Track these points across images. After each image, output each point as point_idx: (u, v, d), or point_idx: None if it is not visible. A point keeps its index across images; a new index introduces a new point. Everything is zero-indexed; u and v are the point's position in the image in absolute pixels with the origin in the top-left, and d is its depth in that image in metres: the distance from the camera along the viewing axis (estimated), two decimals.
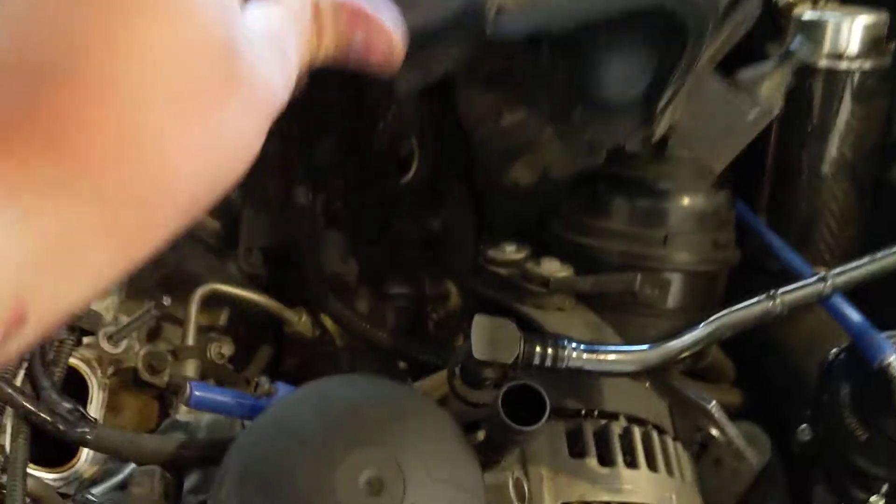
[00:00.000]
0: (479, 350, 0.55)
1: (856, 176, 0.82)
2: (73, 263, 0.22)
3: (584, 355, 0.57)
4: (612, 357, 0.59)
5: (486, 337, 0.55)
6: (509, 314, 0.74)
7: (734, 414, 0.84)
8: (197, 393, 0.57)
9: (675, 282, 0.75)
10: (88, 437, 0.56)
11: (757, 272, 0.82)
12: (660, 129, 0.67)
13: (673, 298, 0.75)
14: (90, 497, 0.59)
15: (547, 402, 0.52)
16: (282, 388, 0.59)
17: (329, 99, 1.09)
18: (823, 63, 0.79)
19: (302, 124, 1.08)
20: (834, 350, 0.68)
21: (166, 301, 0.71)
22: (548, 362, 0.56)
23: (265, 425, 0.47)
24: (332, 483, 0.44)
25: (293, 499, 0.43)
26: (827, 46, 0.79)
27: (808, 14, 0.80)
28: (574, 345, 0.57)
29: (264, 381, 0.58)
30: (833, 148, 0.81)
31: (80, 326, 0.63)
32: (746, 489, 0.77)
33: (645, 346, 0.60)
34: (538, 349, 0.56)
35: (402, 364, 0.92)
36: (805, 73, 0.80)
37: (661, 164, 0.75)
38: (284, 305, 0.94)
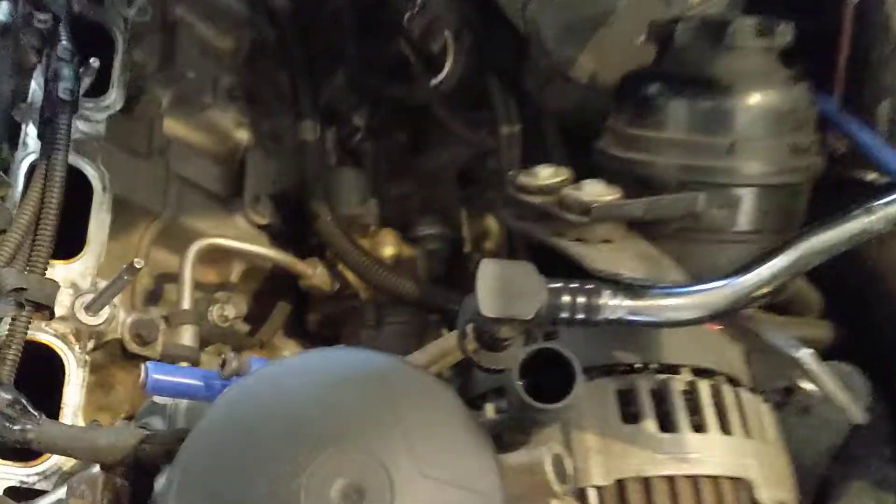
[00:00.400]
0: (489, 305, 0.43)
1: None
2: None
3: (628, 302, 0.45)
4: (666, 302, 0.46)
5: (497, 287, 0.44)
6: (546, 251, 0.62)
7: (823, 353, 0.71)
8: (154, 376, 0.47)
9: (747, 199, 0.61)
10: (30, 435, 0.47)
11: (845, 183, 0.68)
12: None
13: (744, 219, 0.62)
14: None
15: (576, 371, 0.40)
16: (256, 364, 0.49)
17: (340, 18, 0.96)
18: None
19: (310, 51, 0.97)
20: None
21: (138, 263, 0.61)
22: (580, 314, 0.44)
23: (215, 421, 0.37)
24: (295, 495, 0.33)
25: None
26: None
27: None
28: (612, 291, 0.45)
29: (232, 358, 0.48)
30: None
31: (31, 300, 0.54)
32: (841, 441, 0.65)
33: (711, 285, 0.48)
34: (566, 299, 0.44)
35: (433, 316, 0.82)
36: None
37: (723, 54, 0.61)
38: (300, 258, 0.84)
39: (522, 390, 0.40)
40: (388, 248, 0.88)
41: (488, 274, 0.44)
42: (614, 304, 0.45)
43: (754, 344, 0.61)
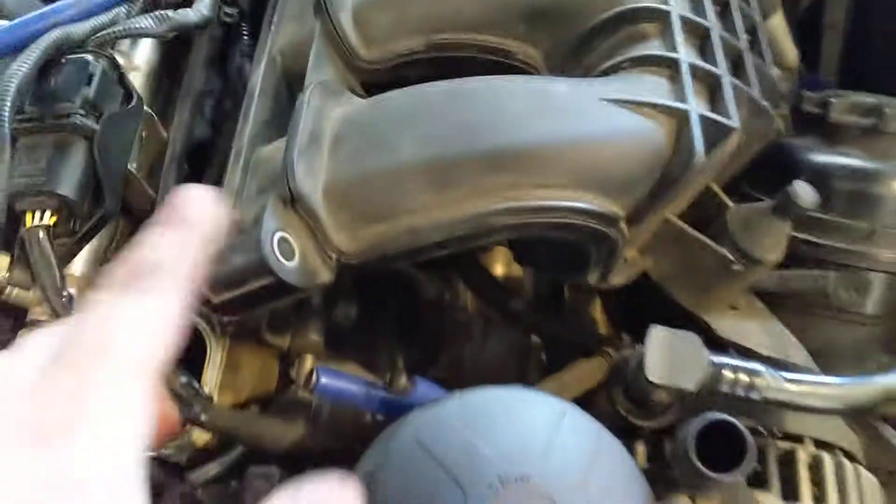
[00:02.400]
0: (655, 372, 0.44)
1: None
2: None
3: (787, 386, 0.45)
4: (823, 391, 0.47)
5: (665, 356, 0.45)
6: (668, 306, 0.63)
7: None
8: (324, 380, 0.48)
9: (877, 283, 0.61)
10: (202, 417, 0.48)
11: None
12: None
13: (871, 303, 0.61)
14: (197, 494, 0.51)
15: (750, 446, 0.41)
16: (421, 385, 0.50)
17: None
18: None
19: None
20: None
21: None
22: (739, 391, 0.45)
23: (407, 444, 0.38)
24: None
25: None
26: None
27: None
28: (774, 373, 0.46)
29: (401, 377, 0.49)
30: None
31: None
32: None
33: (865, 379, 0.48)
34: (729, 375, 0.45)
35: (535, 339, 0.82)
36: None
37: (874, 138, 0.61)
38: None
39: (698, 460, 0.40)
40: (499, 265, 0.88)
41: (657, 340, 0.45)
42: (775, 387, 0.46)
43: (871, 436, 0.61)
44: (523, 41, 0.53)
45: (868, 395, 0.50)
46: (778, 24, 0.77)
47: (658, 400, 0.50)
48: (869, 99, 0.64)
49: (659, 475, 0.47)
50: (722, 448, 0.44)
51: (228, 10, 0.62)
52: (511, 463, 0.38)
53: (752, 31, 0.58)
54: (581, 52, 0.52)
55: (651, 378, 0.46)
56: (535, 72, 0.54)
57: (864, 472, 0.59)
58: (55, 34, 0.50)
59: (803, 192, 0.50)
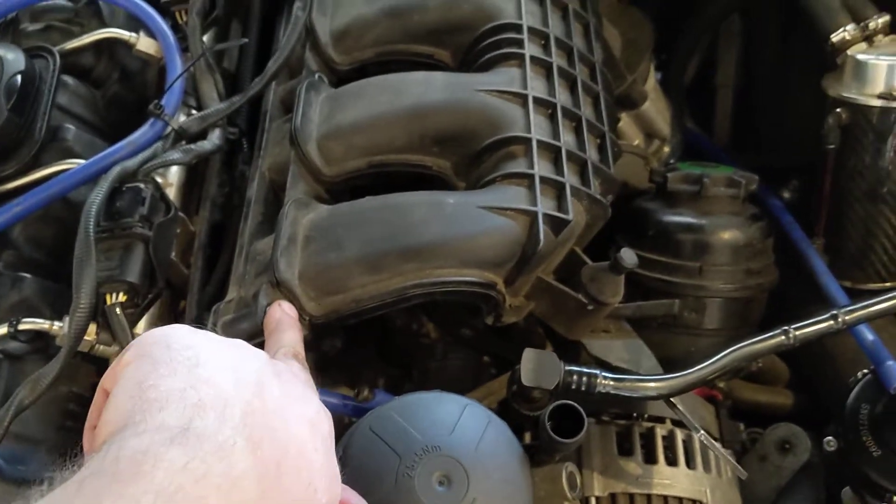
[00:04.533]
0: (526, 378, 0.68)
1: None
2: None
3: (613, 383, 0.69)
4: (635, 385, 0.70)
5: (533, 367, 0.68)
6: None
7: (785, 414, 0.94)
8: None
9: (711, 306, 0.85)
10: None
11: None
12: None
13: (710, 320, 0.85)
14: None
15: (584, 420, 0.64)
16: (379, 396, 0.74)
17: None
18: (876, 102, 0.85)
19: None
20: (860, 372, 0.77)
21: None
22: (582, 388, 0.68)
23: (364, 432, 0.61)
24: (411, 481, 0.58)
25: (384, 490, 0.57)
26: (880, 87, 0.85)
27: (861, 55, 0.86)
28: (605, 374, 0.69)
29: (364, 390, 0.73)
30: (886, 179, 0.88)
31: None
32: (787, 483, 0.87)
33: (665, 377, 0.71)
34: (574, 378, 0.68)
35: (486, 358, 1.04)
36: (858, 110, 0.86)
37: (699, 200, 0.85)
38: None
39: (549, 430, 0.64)
40: None
41: (528, 359, 0.69)
42: (605, 383, 0.69)
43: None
44: (436, 157, 0.77)
45: (677, 385, 0.73)
46: (650, 108, 1.01)
47: (535, 396, 0.73)
48: (696, 170, 0.88)
49: (540, 448, 0.70)
50: (574, 424, 0.67)
51: (231, 129, 0.86)
52: (429, 438, 0.61)
53: (601, 136, 0.81)
54: (475, 165, 0.76)
55: (524, 382, 0.70)
56: (446, 179, 0.77)
57: (716, 444, 0.81)
58: (117, 170, 0.74)
59: (628, 256, 0.74)
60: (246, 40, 0.85)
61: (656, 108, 1.02)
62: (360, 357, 0.99)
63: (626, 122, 1.00)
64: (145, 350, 0.45)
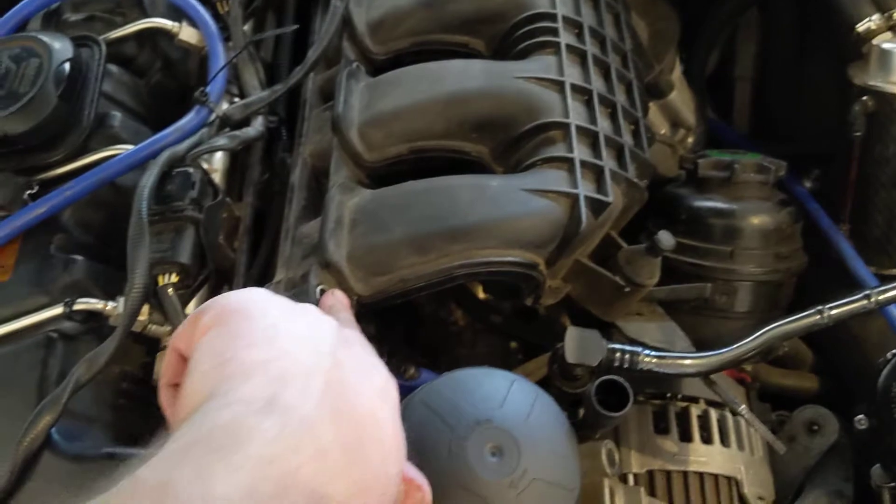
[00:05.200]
0: (570, 355, 0.70)
1: None
2: None
3: (654, 360, 0.70)
4: (676, 362, 0.72)
5: (576, 345, 0.70)
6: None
7: (810, 397, 0.95)
8: None
9: (742, 290, 0.86)
10: None
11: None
12: None
13: (741, 304, 0.87)
14: None
15: (630, 394, 0.66)
16: (424, 374, 0.75)
17: None
18: None
19: None
20: (890, 353, 0.79)
21: None
22: (625, 365, 0.70)
23: (417, 405, 0.63)
24: (464, 451, 0.59)
25: (438, 462, 0.59)
26: None
27: (887, 44, 0.88)
28: (647, 352, 0.70)
29: (410, 368, 0.75)
30: None
31: None
32: (816, 463, 0.89)
33: (704, 354, 0.73)
34: (618, 355, 0.70)
35: (513, 343, 1.06)
36: (884, 98, 0.88)
37: (730, 186, 0.86)
38: None
39: (596, 402, 0.66)
40: (479, 286, 1.14)
41: (572, 336, 0.71)
42: (646, 360, 0.71)
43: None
44: (475, 143, 0.78)
45: (714, 362, 0.75)
46: (676, 98, 1.03)
47: (577, 374, 0.75)
48: (726, 156, 0.90)
49: (583, 423, 0.72)
50: (617, 400, 0.69)
51: (272, 118, 0.87)
52: (480, 411, 0.62)
53: (635, 122, 0.83)
54: (513, 150, 0.77)
55: (568, 359, 0.71)
56: (484, 164, 0.79)
57: (755, 419, 0.83)
58: (166, 155, 0.76)
59: (665, 238, 0.75)
60: (297, 26, 0.86)
61: (682, 98, 1.03)
62: (391, 343, 1.01)
63: (653, 111, 1.02)
64: (225, 318, 0.47)
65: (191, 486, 0.36)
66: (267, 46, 0.93)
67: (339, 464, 0.42)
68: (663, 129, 1.04)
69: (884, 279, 0.92)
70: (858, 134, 0.90)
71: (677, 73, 1.03)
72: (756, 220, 0.86)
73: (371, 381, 0.48)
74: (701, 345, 0.85)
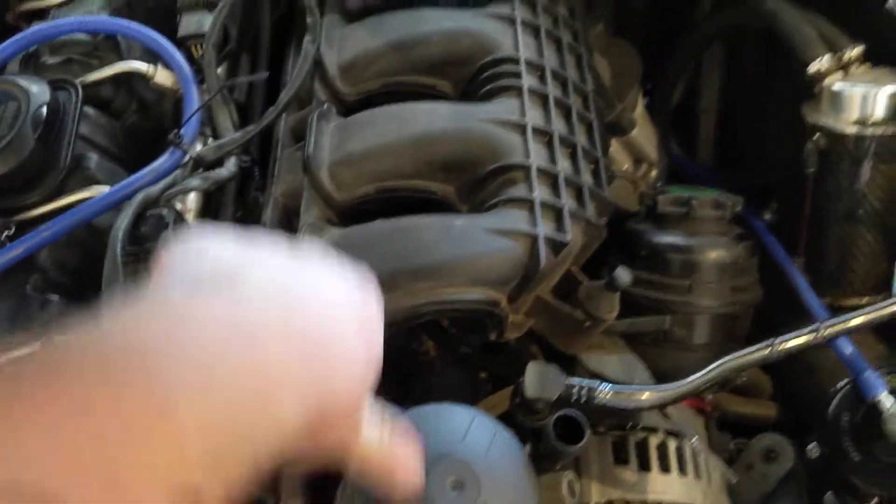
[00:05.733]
0: (530, 389, 0.72)
1: (884, 224, 0.94)
2: None
3: (611, 394, 0.73)
4: (632, 396, 0.74)
5: (536, 379, 0.73)
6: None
7: (770, 425, 0.98)
8: None
9: (701, 322, 0.90)
10: None
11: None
12: None
13: (699, 336, 0.90)
14: None
15: (585, 429, 0.69)
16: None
17: None
18: (852, 129, 0.91)
19: None
20: (840, 383, 0.82)
21: None
22: (583, 400, 0.73)
23: None
24: (426, 482, 0.62)
25: None
26: (855, 114, 0.91)
27: (837, 85, 0.92)
28: (604, 387, 0.73)
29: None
30: (862, 201, 0.93)
31: None
32: (773, 490, 0.92)
33: (659, 388, 0.76)
34: (575, 390, 0.73)
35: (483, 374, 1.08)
36: (835, 137, 0.92)
37: (687, 221, 0.90)
38: None
39: (554, 436, 0.68)
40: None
41: (532, 371, 0.73)
42: (604, 396, 0.74)
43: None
44: (441, 183, 0.81)
45: (670, 396, 0.78)
46: (638, 134, 1.06)
47: (538, 408, 0.77)
48: (684, 193, 0.93)
49: (543, 455, 0.74)
50: (575, 433, 0.71)
51: (245, 158, 0.90)
52: (442, 445, 0.65)
53: (595, 162, 0.86)
54: (478, 190, 0.80)
55: (528, 394, 0.74)
56: (450, 203, 0.82)
57: (705, 453, 0.86)
58: (140, 197, 0.78)
59: (623, 275, 0.78)
60: (266, 74, 0.89)
61: (644, 134, 1.07)
62: None
63: (615, 147, 1.05)
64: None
65: None
66: (241, 87, 0.96)
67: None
68: (626, 164, 1.07)
69: (838, 310, 0.95)
70: (812, 170, 0.93)
71: (640, 110, 1.07)
72: (713, 255, 0.89)
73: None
74: (661, 375, 0.88)
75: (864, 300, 0.97)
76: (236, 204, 0.88)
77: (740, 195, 0.96)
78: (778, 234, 1.02)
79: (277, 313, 0.38)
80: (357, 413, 0.44)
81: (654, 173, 1.10)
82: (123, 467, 0.32)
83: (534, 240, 0.74)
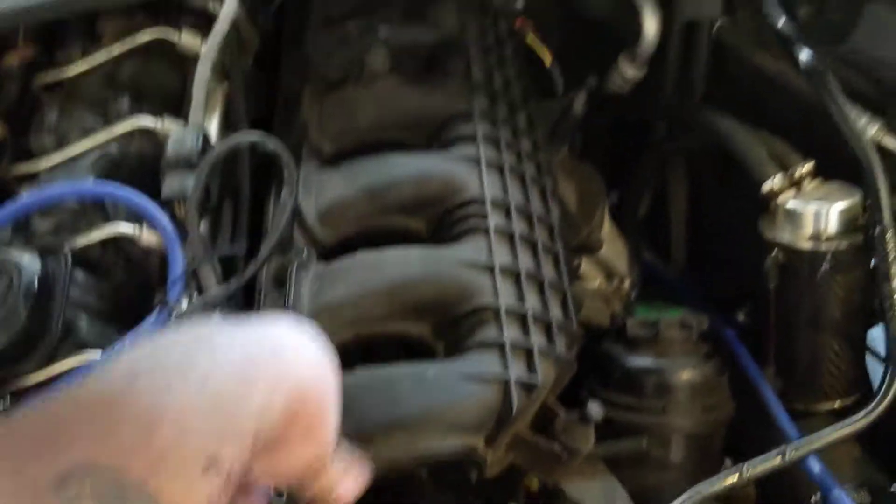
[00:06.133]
0: None
1: (848, 332, 0.98)
2: None
3: None
4: None
5: None
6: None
7: None
8: None
9: (676, 442, 0.93)
10: None
11: None
12: None
13: (675, 455, 0.93)
14: None
15: None
16: None
17: None
18: (807, 245, 0.96)
19: None
20: (813, 496, 0.85)
21: None
22: None
23: None
24: None
25: None
26: (809, 230, 0.96)
27: (790, 203, 0.97)
28: None
29: None
30: (824, 311, 0.97)
31: None
32: None
33: None
34: None
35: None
36: (792, 252, 0.96)
37: (655, 344, 0.94)
38: None
39: None
40: None
41: None
42: None
43: None
44: (416, 325, 0.85)
45: None
46: (608, 251, 1.10)
47: None
48: (651, 314, 0.97)
49: None
50: None
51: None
52: None
53: (563, 293, 0.90)
54: (452, 331, 0.84)
55: None
56: (426, 342, 0.86)
57: None
58: None
59: (595, 410, 0.82)
60: (245, 249, 0.94)
61: (613, 250, 1.11)
62: None
63: (586, 265, 1.09)
64: None
65: None
66: (224, 231, 1.00)
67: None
68: (598, 280, 1.11)
69: (811, 415, 0.99)
70: (773, 285, 0.98)
71: (607, 228, 1.12)
72: (684, 376, 0.93)
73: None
74: (642, 495, 0.91)
75: (837, 404, 1.00)
76: None
77: (713, 297, 1.00)
78: (752, 335, 1.06)
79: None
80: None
81: (626, 284, 1.14)
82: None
83: (506, 383, 0.77)
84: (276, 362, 0.45)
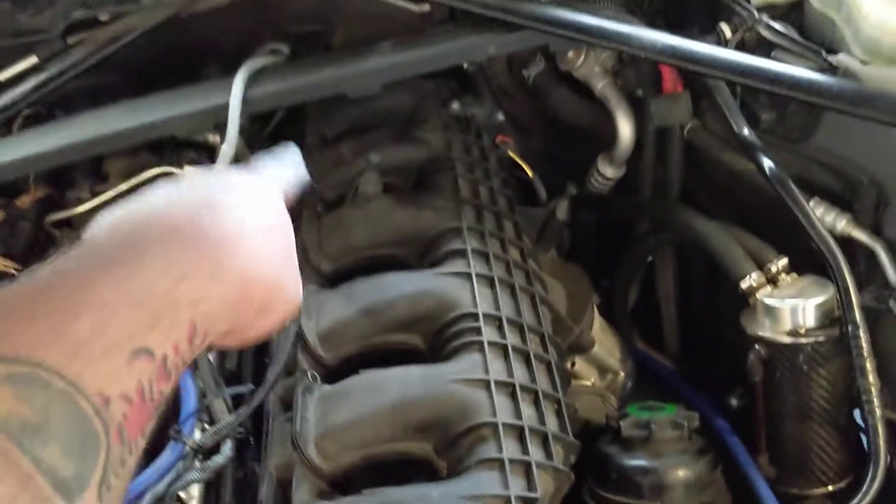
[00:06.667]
0: None
1: (834, 419, 1.02)
2: None
3: None
4: None
5: None
6: None
7: None
8: None
9: None
10: None
11: None
12: None
13: None
14: None
15: None
16: None
17: None
18: (787, 339, 1.00)
19: None
20: None
21: None
22: None
23: None
24: None
25: None
26: (788, 325, 1.00)
27: (769, 299, 1.02)
28: None
29: None
30: (809, 402, 1.01)
31: None
32: None
33: None
34: None
35: None
36: (773, 346, 1.01)
37: (650, 444, 0.98)
38: None
39: None
40: None
41: None
42: None
43: None
44: (419, 443, 0.90)
45: None
46: (599, 349, 1.15)
47: None
48: (644, 415, 1.01)
49: None
50: None
51: (239, 430, 0.98)
52: None
53: (557, 402, 0.94)
54: (453, 448, 0.88)
55: None
56: (429, 459, 0.90)
57: None
58: (147, 497, 0.86)
59: None
60: (252, 388, 0.99)
61: (605, 347, 1.16)
62: None
63: (580, 364, 1.14)
64: None
65: None
66: (231, 355, 1.05)
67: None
68: (592, 377, 1.16)
69: (806, 499, 1.02)
70: (757, 378, 1.02)
71: (597, 326, 1.17)
72: (679, 474, 0.97)
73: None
74: None
75: (831, 488, 1.04)
76: (233, 479, 0.96)
77: (707, 380, 1.04)
78: (745, 418, 1.09)
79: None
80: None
81: (620, 378, 1.18)
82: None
83: (507, 500, 0.81)
84: (210, 255, 0.46)
